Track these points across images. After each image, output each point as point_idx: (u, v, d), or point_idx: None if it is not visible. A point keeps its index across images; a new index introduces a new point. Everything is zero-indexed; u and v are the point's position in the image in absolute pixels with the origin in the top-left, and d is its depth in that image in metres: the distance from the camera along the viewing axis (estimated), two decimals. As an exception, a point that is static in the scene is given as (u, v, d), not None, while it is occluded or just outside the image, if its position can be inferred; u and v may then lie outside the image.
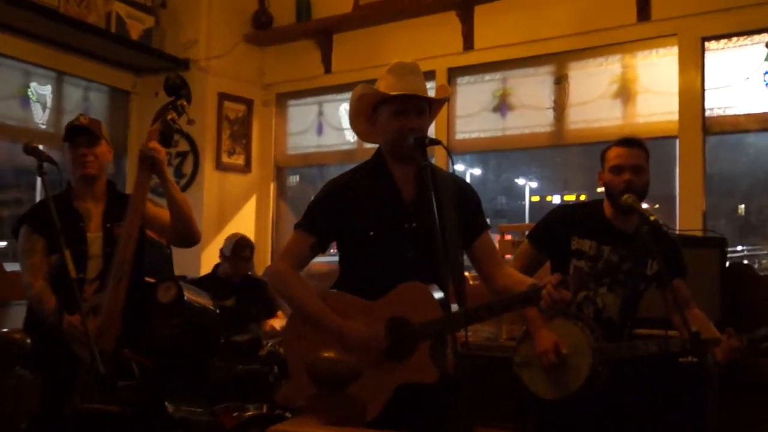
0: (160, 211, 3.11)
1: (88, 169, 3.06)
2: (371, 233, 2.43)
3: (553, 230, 3.10)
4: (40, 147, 2.73)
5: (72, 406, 2.61)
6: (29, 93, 5.14)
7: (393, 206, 2.46)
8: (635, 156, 2.96)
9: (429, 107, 2.49)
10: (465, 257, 2.59)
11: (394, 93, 2.40)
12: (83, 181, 3.09)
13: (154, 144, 2.98)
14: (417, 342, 2.32)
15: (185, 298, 2.97)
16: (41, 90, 5.23)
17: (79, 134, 3.05)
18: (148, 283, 2.98)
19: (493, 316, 2.43)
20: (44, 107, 5.24)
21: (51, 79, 5.31)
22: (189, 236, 3.09)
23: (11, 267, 4.72)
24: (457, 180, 2.63)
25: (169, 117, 3.07)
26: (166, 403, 3.03)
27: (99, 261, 2.98)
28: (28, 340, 2.38)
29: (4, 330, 2.39)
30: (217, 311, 3.66)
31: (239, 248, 4.74)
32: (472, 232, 2.53)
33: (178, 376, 4.01)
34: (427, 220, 2.26)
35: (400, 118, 2.41)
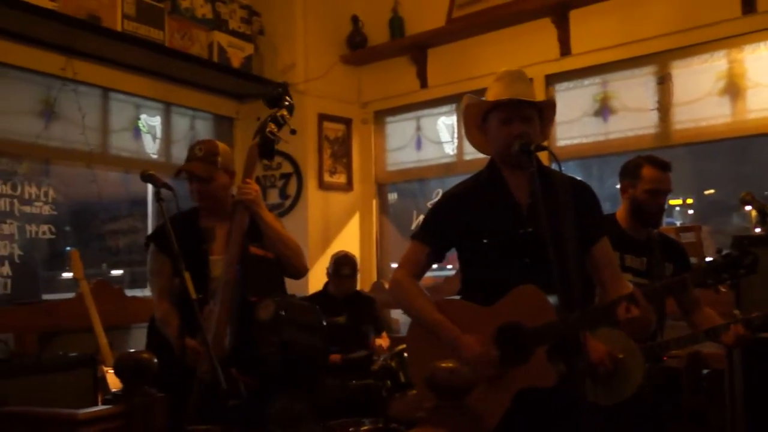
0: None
1: (201, 201, 3.14)
2: (485, 241, 2.41)
3: None
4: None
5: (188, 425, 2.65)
6: (140, 125, 5.37)
7: (507, 212, 2.43)
8: (670, 182, 3.22)
9: (540, 114, 2.46)
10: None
11: (495, 99, 2.40)
12: (202, 206, 3.16)
13: (248, 187, 2.99)
14: (533, 346, 2.28)
15: (281, 314, 2.93)
16: (151, 121, 5.46)
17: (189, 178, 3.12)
18: (252, 302, 2.95)
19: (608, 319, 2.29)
20: (154, 137, 5.46)
21: (159, 111, 5.53)
22: (292, 271, 3.11)
23: (131, 293, 4.96)
24: (576, 183, 2.55)
25: (268, 130, 3.04)
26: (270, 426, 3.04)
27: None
28: (155, 360, 2.46)
29: (132, 350, 2.47)
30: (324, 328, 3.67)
31: (338, 266, 4.81)
32: (588, 238, 2.42)
33: (284, 396, 4.03)
34: (544, 225, 2.23)
35: (506, 125, 2.39)
